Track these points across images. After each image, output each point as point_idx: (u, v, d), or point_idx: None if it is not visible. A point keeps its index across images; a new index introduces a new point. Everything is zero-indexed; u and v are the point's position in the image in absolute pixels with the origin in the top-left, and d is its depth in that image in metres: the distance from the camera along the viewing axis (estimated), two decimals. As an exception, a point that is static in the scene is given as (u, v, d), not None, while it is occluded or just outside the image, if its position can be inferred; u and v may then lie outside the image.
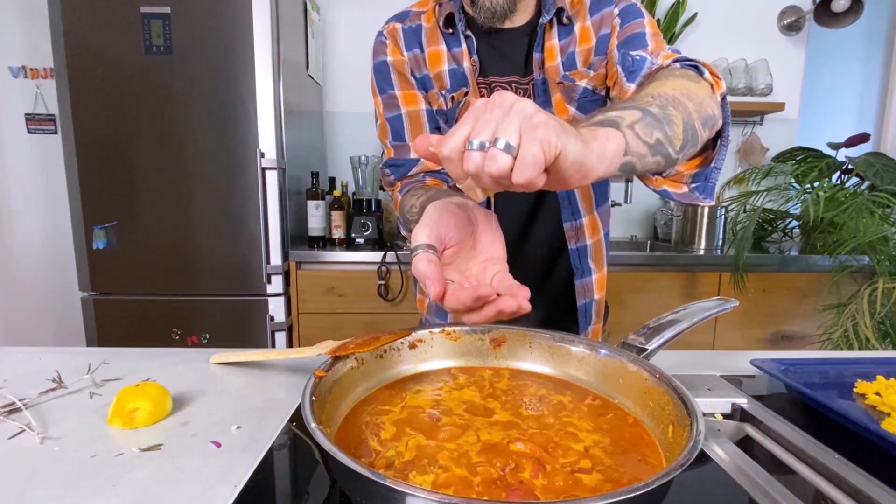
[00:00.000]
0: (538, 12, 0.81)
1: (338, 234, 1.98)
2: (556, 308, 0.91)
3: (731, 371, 0.68)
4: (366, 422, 0.47)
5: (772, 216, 2.18)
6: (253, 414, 0.54)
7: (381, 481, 0.31)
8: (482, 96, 0.79)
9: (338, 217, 1.97)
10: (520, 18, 0.82)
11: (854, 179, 2.07)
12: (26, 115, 2.22)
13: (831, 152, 2.14)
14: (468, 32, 0.81)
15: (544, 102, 0.80)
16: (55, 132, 2.22)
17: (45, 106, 2.22)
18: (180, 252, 1.80)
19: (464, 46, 0.82)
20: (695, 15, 2.38)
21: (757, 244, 2.15)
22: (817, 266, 1.96)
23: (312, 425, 0.38)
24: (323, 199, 2.00)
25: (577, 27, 0.80)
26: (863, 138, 2.19)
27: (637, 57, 0.74)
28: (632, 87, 0.72)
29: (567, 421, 0.48)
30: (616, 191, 2.39)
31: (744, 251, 1.84)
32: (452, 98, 0.82)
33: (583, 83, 0.80)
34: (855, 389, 0.60)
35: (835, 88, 2.69)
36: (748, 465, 0.44)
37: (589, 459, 0.42)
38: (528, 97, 0.80)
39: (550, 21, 0.80)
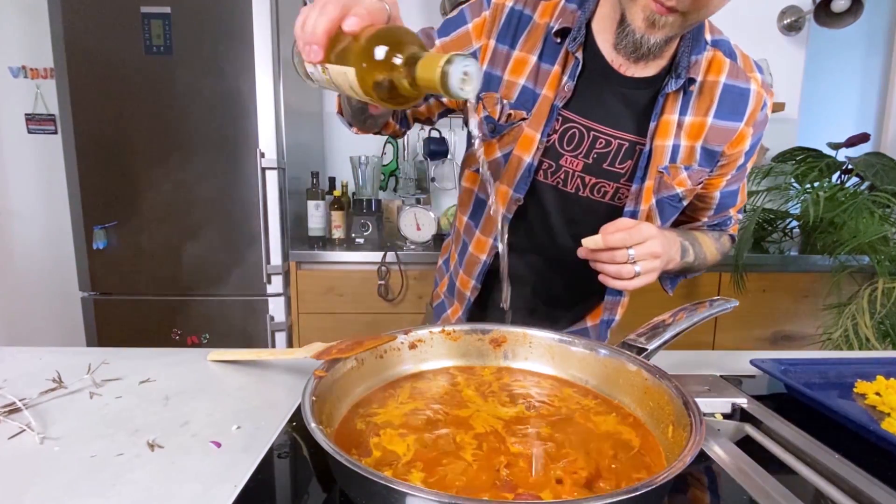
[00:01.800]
0: (666, 70, 0.72)
1: (338, 234, 1.98)
2: (577, 314, 0.91)
3: (731, 371, 0.68)
4: (366, 422, 0.47)
5: (772, 216, 2.18)
6: (253, 414, 0.54)
7: (381, 481, 0.31)
8: (554, 128, 0.72)
9: (338, 217, 1.97)
10: (645, 68, 0.71)
11: (854, 179, 2.06)
12: (26, 115, 2.22)
13: (831, 152, 2.14)
14: (579, 55, 0.70)
15: (641, 178, 0.73)
16: (55, 132, 2.22)
17: (45, 106, 2.22)
18: (180, 252, 1.80)
19: (556, 67, 0.71)
20: (695, 15, 2.38)
21: (757, 244, 2.15)
22: (817, 266, 1.96)
23: (312, 425, 0.38)
24: (323, 199, 2.01)
25: (693, 114, 0.72)
26: (863, 138, 2.19)
27: (725, 219, 0.87)
28: (701, 226, 0.87)
29: (567, 421, 0.48)
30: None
31: (744, 251, 1.84)
32: (509, 115, 0.74)
33: (678, 190, 0.75)
34: (855, 389, 0.60)
35: (835, 88, 2.69)
36: (748, 465, 0.44)
37: (589, 459, 0.42)
38: (627, 159, 0.74)
39: (677, 90, 0.70)
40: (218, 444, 0.48)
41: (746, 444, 0.50)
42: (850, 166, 2.05)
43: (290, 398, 0.58)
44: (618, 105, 0.73)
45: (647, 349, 0.53)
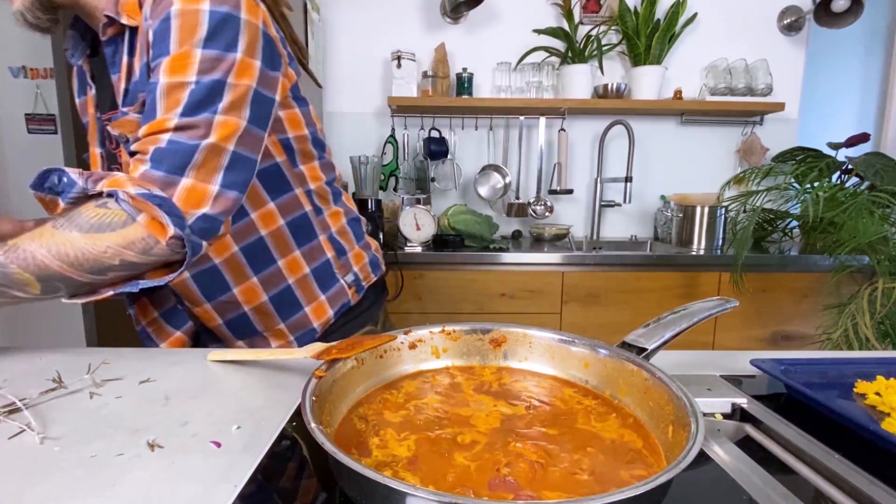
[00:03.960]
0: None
1: (338, 234, 1.98)
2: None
3: (731, 371, 0.68)
4: (366, 422, 0.47)
5: (772, 216, 2.18)
6: (253, 414, 0.54)
7: (382, 481, 0.31)
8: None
9: (338, 217, 1.96)
10: None
11: (854, 179, 2.07)
12: (26, 115, 2.22)
13: (831, 152, 2.14)
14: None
15: None
16: (55, 132, 2.21)
17: (45, 106, 2.21)
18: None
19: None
20: (695, 15, 2.38)
21: (757, 244, 2.16)
22: (817, 266, 1.96)
23: (312, 425, 0.38)
24: (323, 199, 2.00)
25: None
26: (863, 138, 2.19)
27: None
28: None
29: (567, 421, 0.48)
30: (616, 190, 2.40)
31: (743, 251, 1.84)
32: None
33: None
34: (855, 389, 0.60)
35: (835, 88, 2.69)
36: (748, 465, 0.44)
37: (589, 459, 0.42)
38: None
39: None
40: (218, 444, 0.48)
41: (746, 444, 0.50)
42: (850, 166, 2.05)
43: (290, 398, 0.58)
44: None
45: (647, 349, 0.53)
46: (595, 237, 2.46)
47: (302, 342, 0.83)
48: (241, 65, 0.63)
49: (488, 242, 2.11)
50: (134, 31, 0.69)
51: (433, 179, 2.35)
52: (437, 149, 2.28)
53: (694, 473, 0.44)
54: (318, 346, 0.56)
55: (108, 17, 0.69)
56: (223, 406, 0.56)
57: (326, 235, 0.85)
